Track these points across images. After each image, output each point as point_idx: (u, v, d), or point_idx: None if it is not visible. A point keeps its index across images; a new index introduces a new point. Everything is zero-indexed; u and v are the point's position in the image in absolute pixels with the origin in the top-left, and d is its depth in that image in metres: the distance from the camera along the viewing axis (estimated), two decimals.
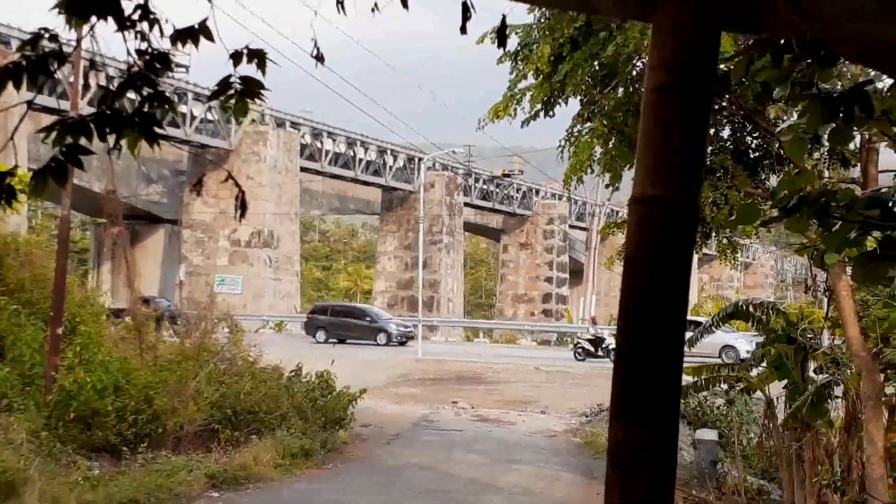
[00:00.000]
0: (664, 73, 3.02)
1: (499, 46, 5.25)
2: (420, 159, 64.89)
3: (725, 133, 15.01)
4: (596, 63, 13.52)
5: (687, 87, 3.02)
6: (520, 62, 14.05)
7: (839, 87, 4.63)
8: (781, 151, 14.02)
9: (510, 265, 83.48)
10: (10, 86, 3.44)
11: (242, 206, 3.87)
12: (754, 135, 15.37)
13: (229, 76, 3.65)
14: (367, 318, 50.02)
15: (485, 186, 78.65)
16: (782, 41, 4.26)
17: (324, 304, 60.22)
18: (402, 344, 47.36)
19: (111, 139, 3.51)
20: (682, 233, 3.04)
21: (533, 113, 14.43)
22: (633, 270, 3.06)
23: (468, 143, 71.70)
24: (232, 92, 3.67)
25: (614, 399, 3.10)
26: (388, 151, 68.69)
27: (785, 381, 16.00)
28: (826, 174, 13.94)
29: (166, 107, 3.64)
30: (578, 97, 14.31)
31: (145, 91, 3.56)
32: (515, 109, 14.46)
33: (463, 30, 3.98)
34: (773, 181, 15.27)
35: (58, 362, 16.55)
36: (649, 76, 3.10)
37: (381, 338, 48.21)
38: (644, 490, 3.03)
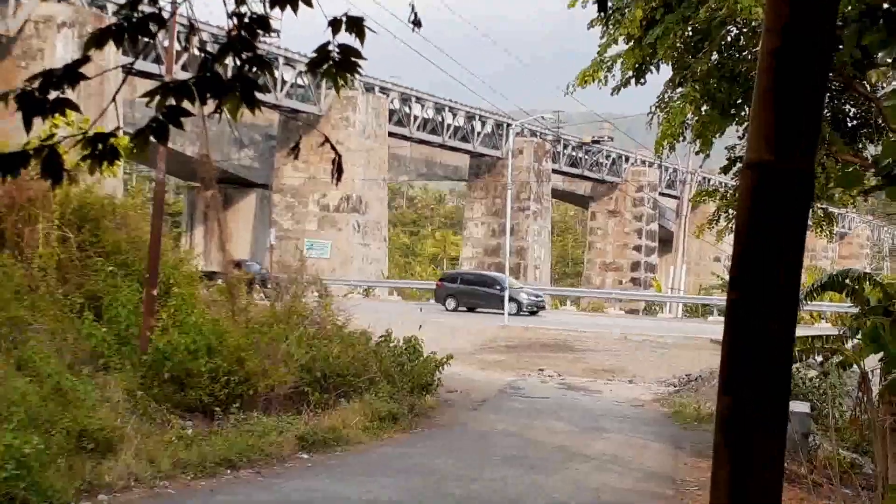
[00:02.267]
0: (780, 36, 2.93)
1: (599, 10, 5.21)
2: (508, 125, 64.56)
3: None
4: (689, 28, 13.30)
5: (803, 51, 2.92)
6: (611, 26, 13.87)
7: None
8: (881, 119, 13.66)
9: (598, 233, 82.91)
10: (105, 53, 3.48)
11: (339, 169, 3.89)
12: (852, 102, 15.00)
13: (327, 44, 3.57)
14: (498, 287, 48.01)
15: (573, 153, 78.08)
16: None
17: (454, 272, 59.02)
18: (532, 314, 45.94)
19: (211, 104, 3.54)
20: (797, 199, 2.94)
21: (624, 80, 14.25)
22: (744, 238, 2.98)
23: (556, 108, 71.16)
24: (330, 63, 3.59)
25: (724, 367, 3.05)
26: (477, 117, 68.58)
27: (881, 354, 15.64)
28: None
29: (265, 71, 3.64)
30: (670, 63, 14.10)
31: (244, 55, 3.55)
32: (606, 76, 14.28)
33: None
34: (872, 150, 14.90)
35: (153, 323, 16.86)
36: (765, 39, 3.01)
37: (512, 307, 46.10)
38: (753, 459, 2.98)
